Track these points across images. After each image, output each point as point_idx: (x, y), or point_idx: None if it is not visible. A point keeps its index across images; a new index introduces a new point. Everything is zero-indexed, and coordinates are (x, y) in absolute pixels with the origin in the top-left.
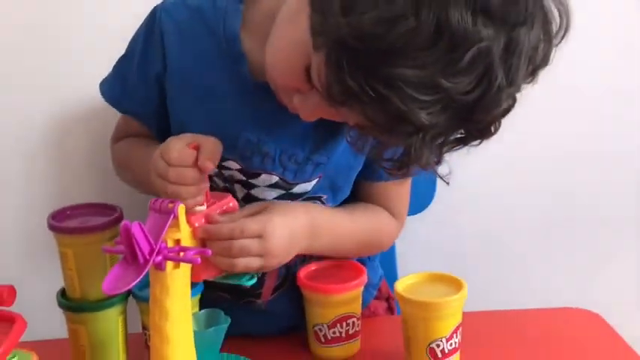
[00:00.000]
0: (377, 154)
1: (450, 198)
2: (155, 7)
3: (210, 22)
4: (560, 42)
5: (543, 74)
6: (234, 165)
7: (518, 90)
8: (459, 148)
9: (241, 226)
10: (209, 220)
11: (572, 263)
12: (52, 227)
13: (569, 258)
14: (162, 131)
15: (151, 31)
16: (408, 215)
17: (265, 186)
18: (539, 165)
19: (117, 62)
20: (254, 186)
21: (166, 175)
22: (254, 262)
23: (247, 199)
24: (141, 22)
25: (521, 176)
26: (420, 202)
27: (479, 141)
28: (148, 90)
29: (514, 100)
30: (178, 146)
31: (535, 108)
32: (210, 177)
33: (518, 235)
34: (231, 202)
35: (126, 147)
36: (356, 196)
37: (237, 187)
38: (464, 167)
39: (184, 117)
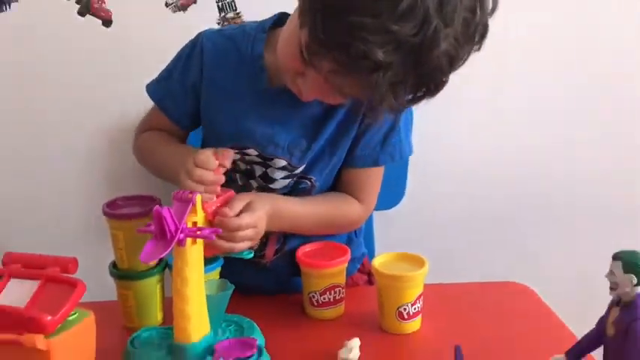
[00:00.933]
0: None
1: (418, 194)
2: (199, 33)
3: (240, 46)
4: None
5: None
6: (253, 152)
7: (456, 33)
8: (419, 97)
9: (242, 221)
10: (220, 213)
11: (519, 247)
12: (106, 214)
13: (518, 242)
14: (186, 129)
15: (193, 49)
16: (385, 209)
17: (276, 168)
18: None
19: (162, 71)
20: (269, 167)
21: (192, 173)
22: (248, 244)
23: (263, 177)
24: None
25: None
26: (393, 198)
27: (434, 89)
28: (184, 94)
29: (457, 44)
30: (206, 154)
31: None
32: (235, 161)
33: (473, 224)
34: (232, 195)
35: (153, 139)
36: (334, 185)
37: (256, 167)
38: (429, 168)
39: (215, 116)
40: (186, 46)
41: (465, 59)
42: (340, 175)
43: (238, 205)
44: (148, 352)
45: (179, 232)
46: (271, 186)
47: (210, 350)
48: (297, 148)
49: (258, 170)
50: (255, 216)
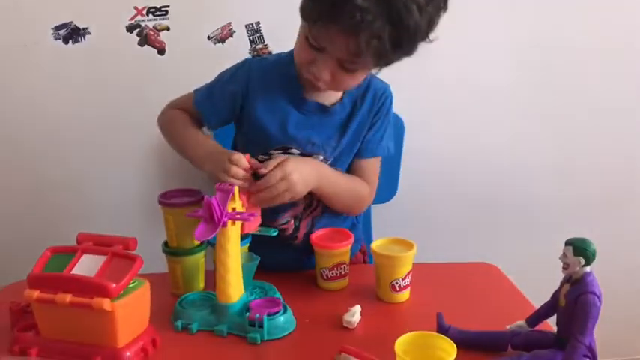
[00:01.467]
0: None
1: (408, 191)
2: (246, 59)
3: (281, 70)
4: None
5: None
6: (295, 151)
7: None
8: (398, 54)
9: (270, 178)
10: (257, 170)
11: (491, 233)
12: (160, 202)
13: (489, 229)
14: (210, 127)
15: (240, 68)
16: (381, 203)
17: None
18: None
19: (211, 81)
20: None
21: (230, 171)
22: (285, 196)
23: None
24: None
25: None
26: (388, 194)
27: (408, 39)
28: (222, 100)
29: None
30: (239, 155)
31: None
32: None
33: (453, 214)
34: None
35: (182, 120)
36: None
37: None
38: (417, 170)
39: (263, 123)
40: (233, 65)
41: (433, 14)
42: (351, 165)
43: (272, 163)
44: (193, 310)
45: (224, 216)
46: None
47: (246, 307)
48: (329, 145)
49: None
50: (282, 169)
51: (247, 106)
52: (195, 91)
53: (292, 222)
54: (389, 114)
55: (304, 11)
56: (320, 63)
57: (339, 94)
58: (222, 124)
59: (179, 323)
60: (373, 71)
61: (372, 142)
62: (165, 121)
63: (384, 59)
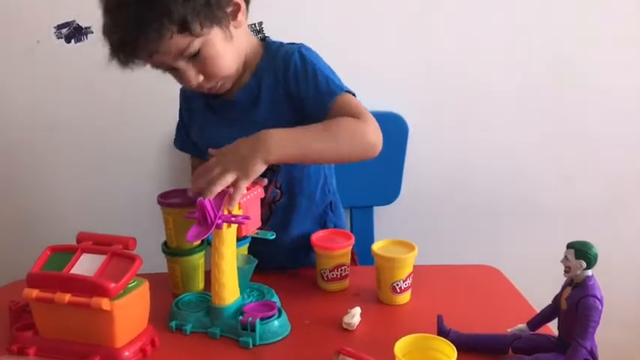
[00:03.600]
0: None
1: (411, 194)
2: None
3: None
4: None
5: None
6: None
7: None
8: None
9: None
10: None
11: (493, 236)
12: (159, 202)
13: (491, 232)
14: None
15: (180, 98)
16: (384, 205)
17: None
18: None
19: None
20: None
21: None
22: (229, 178)
23: None
24: None
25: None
26: (391, 196)
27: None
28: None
29: None
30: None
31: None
32: None
33: (456, 216)
34: (259, 188)
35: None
36: None
37: None
38: (420, 174)
39: (196, 140)
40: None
41: None
42: None
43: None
44: (189, 312)
45: (217, 218)
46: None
47: (240, 311)
48: (251, 131)
49: None
50: (217, 157)
51: (186, 126)
52: (174, 142)
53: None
54: (310, 70)
55: (122, 63)
56: (181, 75)
57: (245, 81)
58: None
59: (173, 324)
60: (218, 35)
61: (312, 104)
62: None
63: (186, 23)
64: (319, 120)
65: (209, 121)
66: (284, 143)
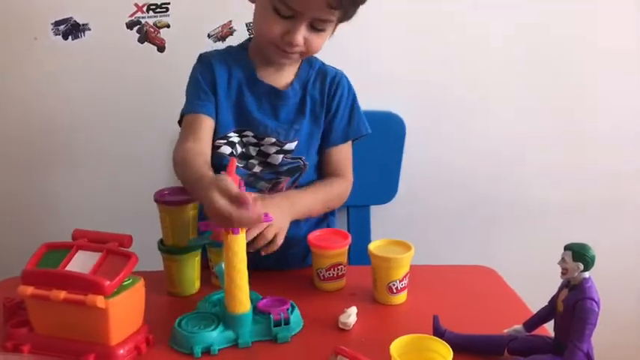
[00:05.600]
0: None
1: (408, 193)
2: (200, 55)
3: (234, 55)
4: None
5: None
6: (250, 133)
7: None
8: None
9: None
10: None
11: (488, 236)
12: (156, 200)
13: (487, 232)
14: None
15: (203, 62)
16: (380, 204)
17: (268, 144)
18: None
19: (189, 95)
20: (262, 145)
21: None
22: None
23: (260, 154)
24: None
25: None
26: (387, 195)
27: None
28: (209, 94)
29: None
30: (225, 183)
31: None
32: (233, 143)
33: (453, 217)
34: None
35: (184, 161)
36: (320, 168)
37: (251, 147)
38: (417, 173)
39: (221, 106)
40: (195, 67)
41: None
42: (322, 157)
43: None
44: (205, 332)
45: None
46: (269, 161)
47: (255, 311)
48: (282, 128)
49: (253, 150)
50: (274, 227)
51: (215, 92)
52: (183, 110)
53: None
54: (351, 98)
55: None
56: (295, 29)
57: (290, 78)
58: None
59: (199, 349)
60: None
61: (338, 128)
62: (174, 166)
63: (351, 10)
64: (333, 144)
65: (245, 98)
66: (303, 209)
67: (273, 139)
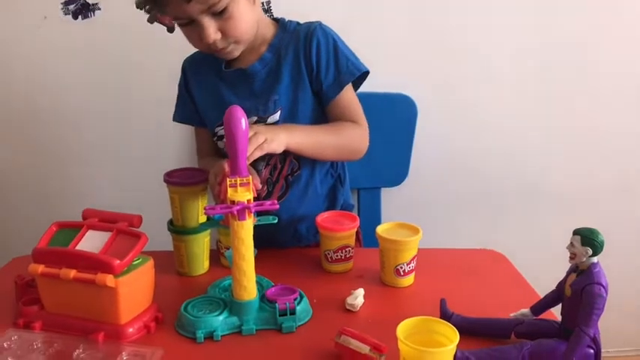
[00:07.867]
0: None
1: (418, 176)
2: (183, 61)
3: (204, 54)
4: None
5: None
6: None
7: None
8: None
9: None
10: None
11: (497, 221)
12: (166, 181)
13: (496, 217)
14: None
15: (181, 72)
16: (391, 187)
17: (252, 124)
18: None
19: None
20: None
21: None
22: (260, 138)
23: None
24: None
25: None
26: (398, 177)
27: None
28: (187, 101)
29: None
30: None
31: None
32: (222, 136)
33: (463, 201)
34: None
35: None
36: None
37: None
38: (429, 156)
39: (202, 106)
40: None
41: None
42: (328, 115)
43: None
44: (209, 317)
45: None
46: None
47: (263, 299)
48: (260, 104)
49: None
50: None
51: (193, 97)
52: (173, 117)
53: (265, 187)
54: (330, 44)
55: (148, 9)
56: (201, 29)
57: (259, 53)
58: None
59: (201, 334)
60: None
61: (329, 79)
62: None
63: None
64: (330, 98)
65: (221, 91)
66: (303, 134)
67: (255, 118)
